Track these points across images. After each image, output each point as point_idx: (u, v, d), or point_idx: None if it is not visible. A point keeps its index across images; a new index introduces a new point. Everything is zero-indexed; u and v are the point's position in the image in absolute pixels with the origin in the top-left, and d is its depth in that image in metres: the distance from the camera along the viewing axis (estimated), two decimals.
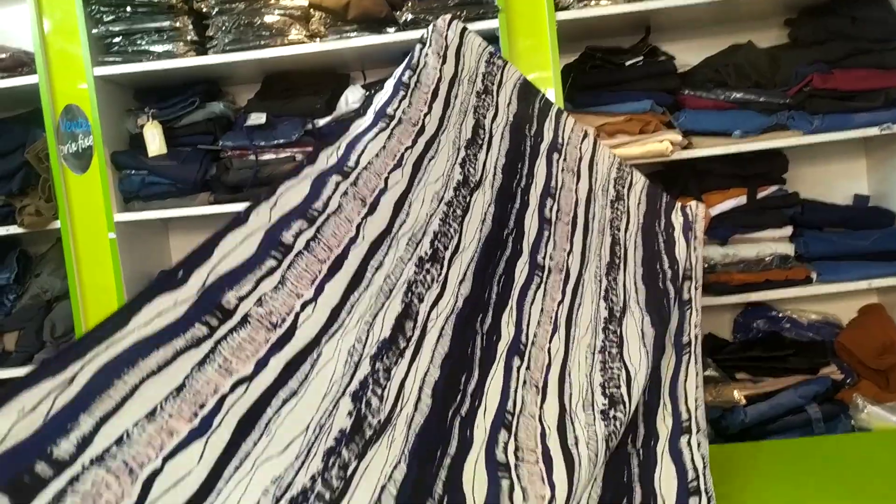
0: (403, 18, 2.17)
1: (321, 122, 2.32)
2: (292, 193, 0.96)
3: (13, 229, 2.29)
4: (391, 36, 2.16)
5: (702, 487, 1.22)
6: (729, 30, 2.41)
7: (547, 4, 2.06)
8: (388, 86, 1.29)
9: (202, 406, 0.73)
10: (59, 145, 2.21)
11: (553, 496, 1.04)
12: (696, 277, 1.65)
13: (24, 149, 2.31)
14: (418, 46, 1.33)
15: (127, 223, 2.26)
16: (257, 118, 2.33)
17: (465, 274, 1.19)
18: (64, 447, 0.64)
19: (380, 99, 1.25)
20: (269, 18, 2.20)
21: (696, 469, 1.27)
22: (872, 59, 2.19)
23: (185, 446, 0.70)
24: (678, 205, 1.81)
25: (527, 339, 1.25)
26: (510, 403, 1.14)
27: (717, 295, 2.28)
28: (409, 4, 2.16)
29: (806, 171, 2.46)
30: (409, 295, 1.06)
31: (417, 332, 1.05)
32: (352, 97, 2.35)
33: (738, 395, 2.21)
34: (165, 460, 0.68)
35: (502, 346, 1.20)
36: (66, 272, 2.21)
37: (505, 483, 1.02)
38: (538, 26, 2.09)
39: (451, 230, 1.20)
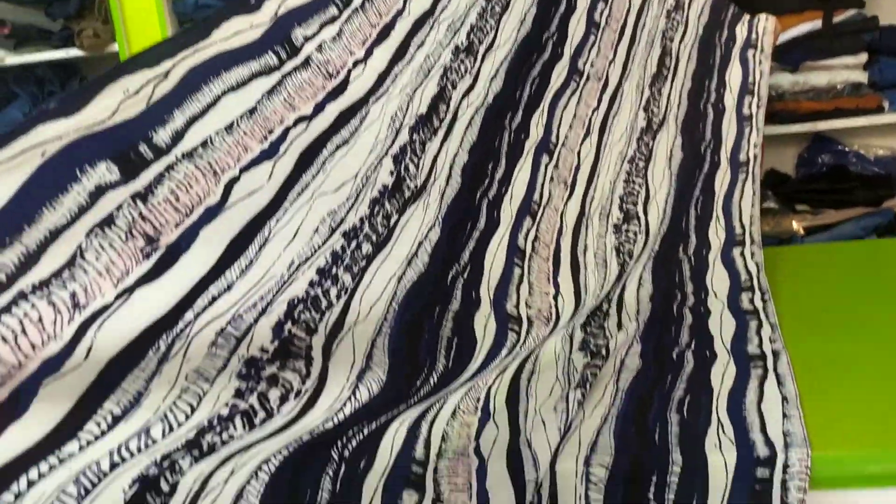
0: None
1: None
2: None
3: (73, 52, 2.30)
4: None
5: (755, 286, 1.24)
6: None
7: None
8: None
9: (270, 132, 0.77)
10: None
11: (557, 293, 1.09)
12: (758, 94, 1.60)
13: None
14: None
15: None
16: None
17: (497, 71, 1.19)
18: (162, 136, 0.67)
19: None
20: None
21: (749, 272, 1.28)
22: None
23: (257, 163, 0.74)
24: (745, 16, 1.72)
25: (557, 139, 1.25)
26: (537, 195, 1.17)
27: (784, 123, 2.21)
28: None
29: None
30: (444, 80, 1.07)
31: (449, 117, 1.07)
32: None
33: (796, 225, 2.19)
34: (242, 171, 0.72)
35: (530, 144, 1.21)
36: None
37: (517, 271, 1.07)
38: None
39: (488, 26, 1.19)
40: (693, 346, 1.10)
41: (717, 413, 0.90)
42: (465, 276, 1.02)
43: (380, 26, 0.97)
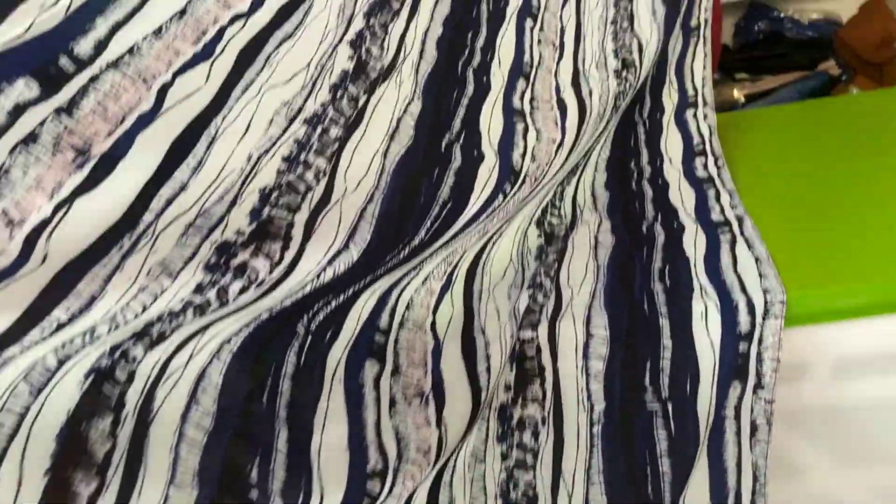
0: None
1: None
2: None
3: None
4: None
5: (708, 150, 1.27)
6: None
7: None
8: None
9: (204, 33, 0.72)
10: None
11: (562, 142, 1.06)
12: None
13: None
14: None
15: None
16: None
17: None
18: (83, 46, 0.63)
19: None
20: None
21: (701, 135, 1.31)
22: None
23: (191, 66, 0.70)
24: None
25: (538, 3, 1.22)
26: (527, 57, 1.14)
27: None
28: None
29: None
30: None
31: None
32: None
33: (737, 93, 2.26)
34: (175, 75, 0.68)
35: (511, 10, 1.18)
36: None
37: (520, 125, 1.04)
38: None
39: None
40: (660, 218, 1.12)
41: (699, 278, 0.93)
42: (462, 139, 0.99)
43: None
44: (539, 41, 1.19)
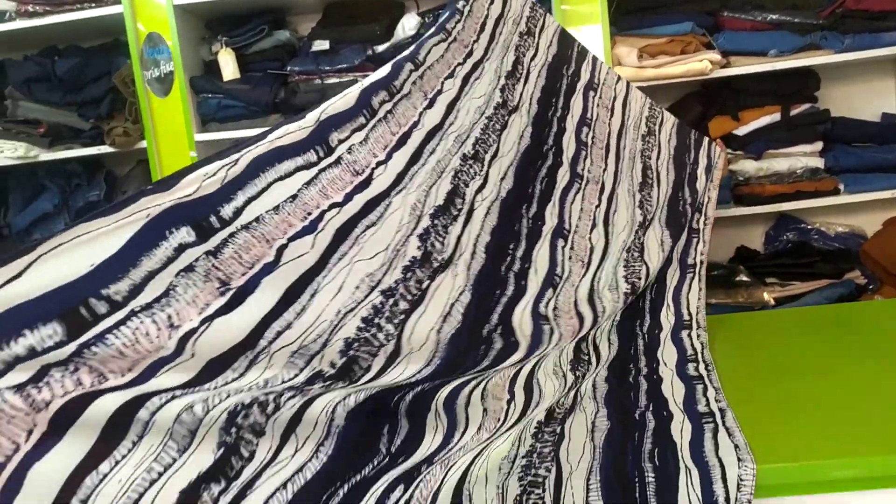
0: None
1: (381, 48, 2.49)
2: (379, 69, 1.17)
3: (104, 149, 2.51)
4: None
5: (700, 358, 1.43)
6: None
7: None
8: (447, 8, 1.45)
9: (309, 214, 0.95)
10: (144, 71, 2.41)
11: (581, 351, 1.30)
12: (706, 214, 1.84)
13: (109, 77, 2.52)
14: None
15: (206, 142, 2.46)
16: (321, 45, 2.51)
17: (505, 173, 1.39)
18: (226, 210, 0.86)
19: (441, 17, 1.42)
20: None
21: (694, 349, 1.47)
22: None
23: (300, 236, 0.93)
24: (706, 141, 1.98)
25: (570, 227, 1.46)
26: (559, 269, 1.38)
27: (751, 205, 2.45)
28: None
29: (837, 89, 2.60)
30: (457, 179, 1.26)
31: (466, 207, 1.26)
32: (408, 24, 2.51)
33: (767, 296, 2.40)
34: (289, 240, 0.92)
35: (547, 229, 1.41)
36: None
37: (546, 328, 1.27)
38: None
39: (491, 139, 1.38)
40: (651, 407, 1.26)
41: (685, 461, 1.07)
42: (499, 331, 1.20)
43: (399, 135, 1.14)
44: (570, 257, 1.43)
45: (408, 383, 1.04)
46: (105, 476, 0.72)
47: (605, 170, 1.64)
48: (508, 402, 1.17)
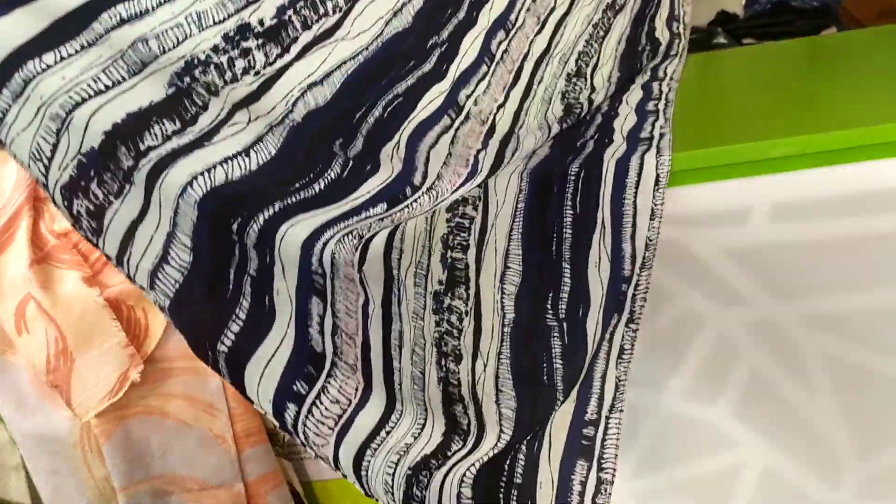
0: None
1: None
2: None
3: None
4: None
5: (663, 98, 1.34)
6: None
7: None
8: None
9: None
10: None
11: (501, 106, 1.20)
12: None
13: None
14: None
15: None
16: None
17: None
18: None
19: None
20: None
21: (661, 90, 1.38)
22: None
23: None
24: None
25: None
26: (513, 16, 1.28)
27: None
28: None
29: None
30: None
31: None
32: None
33: None
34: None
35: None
36: None
37: (484, 67, 1.19)
38: None
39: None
40: (596, 136, 1.23)
41: (602, 211, 1.07)
42: (443, 49, 1.13)
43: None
44: (528, 9, 1.33)
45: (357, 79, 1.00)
46: (48, 67, 0.71)
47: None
48: (478, 153, 1.11)
